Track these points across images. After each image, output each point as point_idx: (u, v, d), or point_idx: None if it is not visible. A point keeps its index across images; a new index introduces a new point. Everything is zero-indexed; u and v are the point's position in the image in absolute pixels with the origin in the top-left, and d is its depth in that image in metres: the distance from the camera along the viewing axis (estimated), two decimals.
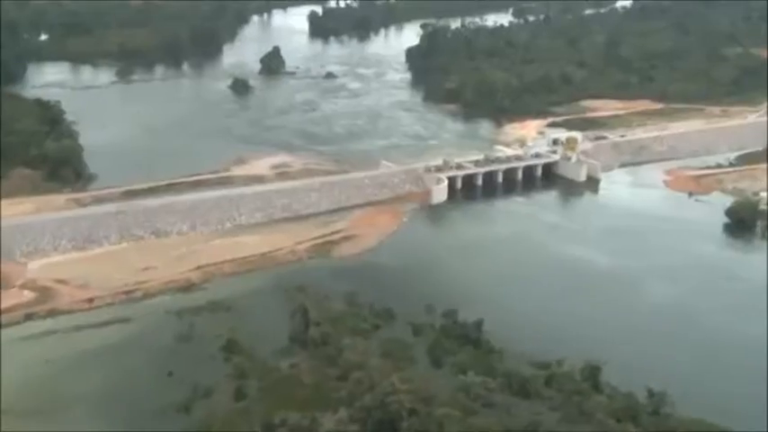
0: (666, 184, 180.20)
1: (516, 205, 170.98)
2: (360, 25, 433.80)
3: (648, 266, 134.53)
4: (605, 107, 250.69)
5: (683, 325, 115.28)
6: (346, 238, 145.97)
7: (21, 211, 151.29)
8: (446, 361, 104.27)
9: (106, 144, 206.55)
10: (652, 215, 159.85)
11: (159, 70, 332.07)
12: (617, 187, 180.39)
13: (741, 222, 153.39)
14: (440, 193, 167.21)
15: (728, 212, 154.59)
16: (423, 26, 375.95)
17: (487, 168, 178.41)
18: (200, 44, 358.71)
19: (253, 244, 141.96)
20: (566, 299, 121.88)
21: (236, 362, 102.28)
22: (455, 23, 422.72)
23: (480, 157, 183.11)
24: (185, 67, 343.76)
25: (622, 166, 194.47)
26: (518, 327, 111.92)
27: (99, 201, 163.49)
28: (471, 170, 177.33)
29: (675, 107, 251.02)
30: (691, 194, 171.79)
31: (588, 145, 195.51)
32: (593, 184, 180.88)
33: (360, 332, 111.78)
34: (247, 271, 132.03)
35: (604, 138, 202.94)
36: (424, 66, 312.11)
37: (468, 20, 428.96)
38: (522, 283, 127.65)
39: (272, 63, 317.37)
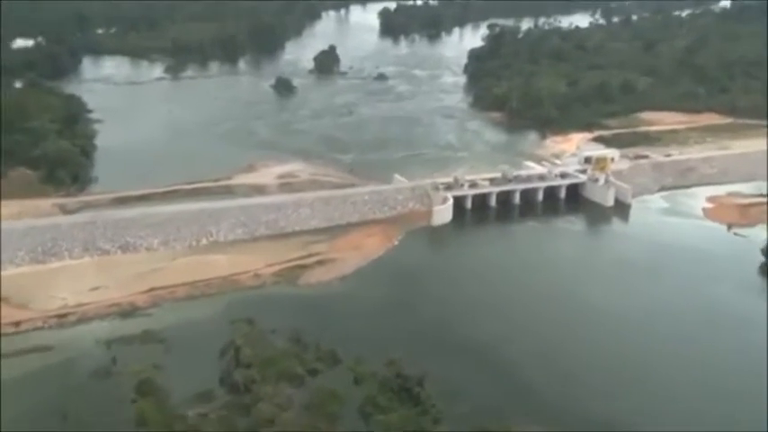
0: (706, 213, 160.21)
1: (528, 231, 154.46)
2: (431, 24, 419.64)
3: (651, 313, 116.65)
4: (665, 120, 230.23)
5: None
6: (321, 263, 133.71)
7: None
8: (375, 419, 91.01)
9: (122, 145, 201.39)
10: (678, 250, 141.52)
11: (213, 67, 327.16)
12: (648, 215, 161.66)
13: None
14: (442, 214, 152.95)
15: (763, 250, 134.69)
16: (490, 26, 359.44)
17: (502, 188, 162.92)
18: (258, 40, 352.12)
19: (220, 264, 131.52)
20: (540, 347, 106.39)
21: (142, 407, 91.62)
22: (529, 24, 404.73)
23: (497, 174, 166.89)
24: (241, 63, 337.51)
25: (663, 189, 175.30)
26: (477, 382, 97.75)
27: (85, 207, 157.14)
28: (483, 189, 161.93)
29: (745, 123, 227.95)
30: (730, 227, 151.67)
31: (625, 165, 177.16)
32: (622, 210, 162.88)
33: (292, 377, 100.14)
34: (202, 295, 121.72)
35: (645, 157, 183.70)
36: (482, 69, 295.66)
37: (543, 20, 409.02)
38: (501, 326, 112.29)
39: (325, 62, 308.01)
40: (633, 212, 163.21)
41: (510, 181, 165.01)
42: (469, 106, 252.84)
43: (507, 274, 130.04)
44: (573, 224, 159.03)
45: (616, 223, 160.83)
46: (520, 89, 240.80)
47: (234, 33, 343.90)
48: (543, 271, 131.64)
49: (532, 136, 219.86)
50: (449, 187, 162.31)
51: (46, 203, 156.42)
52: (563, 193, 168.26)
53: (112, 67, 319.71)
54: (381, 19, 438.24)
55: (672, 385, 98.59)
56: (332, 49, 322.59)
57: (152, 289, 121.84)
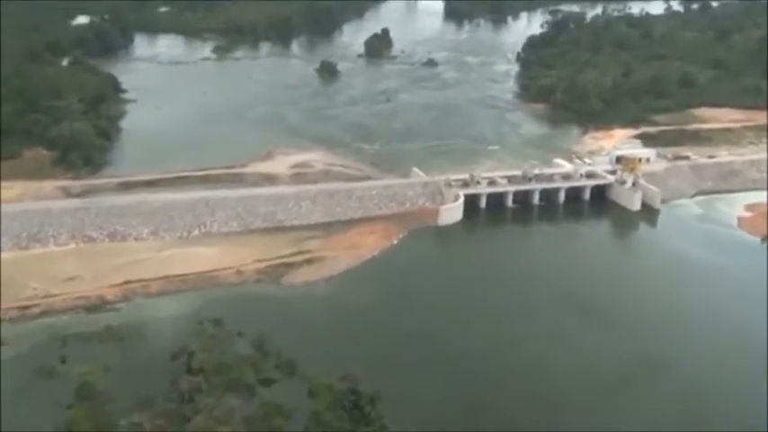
0: (740, 222, 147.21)
1: (539, 236, 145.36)
2: (496, 8, 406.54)
3: (642, 347, 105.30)
4: (720, 118, 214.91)
5: None
6: (311, 261, 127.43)
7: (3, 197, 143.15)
8: None
9: (148, 127, 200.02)
10: (700, 264, 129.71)
11: (265, 48, 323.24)
12: (676, 222, 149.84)
13: None
14: (451, 213, 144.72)
15: None
16: (552, 12, 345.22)
17: (520, 187, 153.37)
18: (314, 22, 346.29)
19: (205, 258, 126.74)
20: (516, 363, 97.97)
21: (73, 414, 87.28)
22: (599, 10, 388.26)
23: (518, 172, 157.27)
24: (294, 45, 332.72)
25: (700, 194, 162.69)
26: (440, 403, 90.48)
27: (90, 191, 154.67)
28: (499, 188, 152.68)
29: None
30: (764, 240, 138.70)
31: (660, 166, 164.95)
32: (650, 215, 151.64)
33: (243, 387, 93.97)
34: (177, 291, 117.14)
35: (686, 158, 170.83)
36: (536, 57, 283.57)
37: (613, 6, 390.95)
38: (483, 342, 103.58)
39: (375, 46, 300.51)
40: (661, 219, 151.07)
41: (530, 180, 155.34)
42: (515, 96, 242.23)
43: (501, 284, 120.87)
44: (592, 229, 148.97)
45: (640, 230, 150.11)
46: (566, 80, 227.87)
47: (289, 15, 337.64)
48: (537, 283, 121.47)
49: (574, 130, 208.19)
50: (465, 184, 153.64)
51: (50, 186, 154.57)
52: (587, 195, 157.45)
53: (163, 45, 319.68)
54: (446, 3, 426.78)
55: None
56: (384, 32, 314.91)
57: (126, 282, 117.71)
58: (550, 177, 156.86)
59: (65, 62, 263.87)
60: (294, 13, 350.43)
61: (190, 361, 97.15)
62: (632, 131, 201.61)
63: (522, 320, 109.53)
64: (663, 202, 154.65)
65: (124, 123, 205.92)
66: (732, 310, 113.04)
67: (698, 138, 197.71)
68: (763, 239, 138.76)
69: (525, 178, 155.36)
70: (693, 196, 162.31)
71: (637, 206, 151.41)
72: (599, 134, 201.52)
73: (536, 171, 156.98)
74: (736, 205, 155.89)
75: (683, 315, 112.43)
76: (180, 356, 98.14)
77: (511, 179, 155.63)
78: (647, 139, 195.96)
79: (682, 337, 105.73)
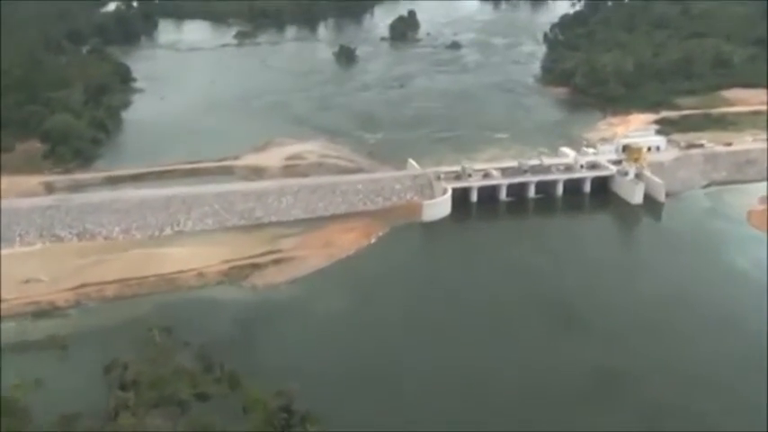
0: (750, 217, 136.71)
1: (529, 232, 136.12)
2: None
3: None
4: (751, 100, 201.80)
5: None
6: (279, 262, 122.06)
7: None
8: None
9: (150, 117, 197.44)
10: (694, 265, 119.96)
11: (290, 32, 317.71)
12: (679, 217, 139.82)
13: None
14: (436, 209, 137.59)
15: None
16: None
17: (513, 180, 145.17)
18: (341, 5, 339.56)
19: (171, 258, 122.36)
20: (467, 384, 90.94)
21: None
22: None
23: (514, 163, 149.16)
24: (321, 29, 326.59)
25: (712, 185, 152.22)
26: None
27: (74, 186, 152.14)
28: (492, 181, 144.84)
29: None
30: None
31: (670, 155, 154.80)
32: (653, 208, 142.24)
33: (175, 403, 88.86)
34: (133, 295, 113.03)
35: (699, 146, 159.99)
36: (563, 38, 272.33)
37: None
38: (435, 360, 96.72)
39: (400, 29, 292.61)
40: (664, 213, 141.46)
41: (525, 172, 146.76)
42: (535, 80, 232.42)
43: (470, 290, 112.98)
44: (584, 225, 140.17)
45: (637, 226, 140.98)
46: (587, 63, 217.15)
47: None
48: (508, 288, 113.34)
49: (592, 116, 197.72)
50: (457, 177, 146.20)
51: (34, 181, 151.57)
52: (587, 187, 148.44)
53: (188, 31, 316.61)
54: None
55: None
56: (411, 14, 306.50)
57: (82, 285, 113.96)
58: (547, 169, 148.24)
59: (84, 50, 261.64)
60: None
61: (124, 374, 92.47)
62: (652, 116, 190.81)
63: (486, 334, 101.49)
64: (670, 194, 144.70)
65: (127, 114, 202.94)
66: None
67: (722, 122, 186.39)
68: None
69: (520, 170, 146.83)
70: (705, 187, 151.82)
71: (638, 199, 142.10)
72: (616, 120, 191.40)
73: (532, 162, 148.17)
74: (750, 197, 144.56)
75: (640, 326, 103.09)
76: (113, 369, 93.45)
77: (505, 171, 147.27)
78: (667, 125, 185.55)
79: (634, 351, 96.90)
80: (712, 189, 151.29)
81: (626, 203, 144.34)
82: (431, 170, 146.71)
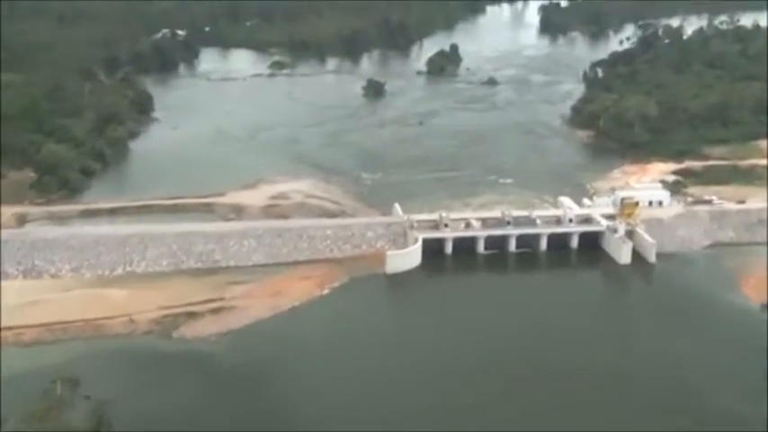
0: (745, 283, 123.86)
1: (497, 291, 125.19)
2: (592, 20, 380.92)
3: None
4: None
5: None
6: (217, 311, 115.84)
7: None
8: None
9: (156, 149, 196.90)
10: (657, 336, 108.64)
11: (332, 63, 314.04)
12: (668, 280, 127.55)
13: None
14: (402, 260, 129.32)
15: None
16: (642, 26, 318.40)
17: (492, 232, 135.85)
18: (388, 36, 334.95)
19: (108, 302, 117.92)
20: None
21: None
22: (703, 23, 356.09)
23: (497, 214, 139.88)
24: (365, 61, 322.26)
25: (716, 245, 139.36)
26: None
27: (48, 218, 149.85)
28: (468, 232, 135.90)
29: None
30: (765, 307, 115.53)
31: (671, 212, 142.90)
32: (641, 270, 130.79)
33: None
34: (53, 341, 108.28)
35: (708, 202, 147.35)
36: (604, 77, 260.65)
37: (722, 19, 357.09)
38: None
39: (438, 63, 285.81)
40: (655, 274, 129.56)
41: (508, 223, 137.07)
42: (563, 122, 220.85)
43: (411, 354, 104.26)
44: (565, 284, 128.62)
45: (620, 288, 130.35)
46: (614, 106, 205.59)
47: (361, 28, 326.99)
48: (456, 358, 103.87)
49: (611, 162, 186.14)
50: (435, 226, 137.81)
51: (9, 212, 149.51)
52: (575, 243, 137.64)
53: (227, 61, 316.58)
54: (541, 15, 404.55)
55: None
56: (453, 48, 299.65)
57: (7, 328, 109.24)
58: (532, 221, 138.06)
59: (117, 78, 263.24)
60: (371, 27, 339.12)
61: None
62: (673, 166, 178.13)
63: (412, 408, 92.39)
64: (665, 254, 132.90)
65: (135, 144, 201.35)
66: None
67: (749, 176, 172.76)
68: (763, 307, 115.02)
69: (503, 221, 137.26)
70: (708, 248, 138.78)
71: (626, 259, 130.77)
72: (633, 168, 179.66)
73: (516, 213, 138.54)
74: (754, 262, 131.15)
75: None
76: None
77: (485, 222, 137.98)
78: (690, 176, 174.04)
79: None
80: (715, 251, 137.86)
81: (614, 262, 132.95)
82: (404, 218, 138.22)
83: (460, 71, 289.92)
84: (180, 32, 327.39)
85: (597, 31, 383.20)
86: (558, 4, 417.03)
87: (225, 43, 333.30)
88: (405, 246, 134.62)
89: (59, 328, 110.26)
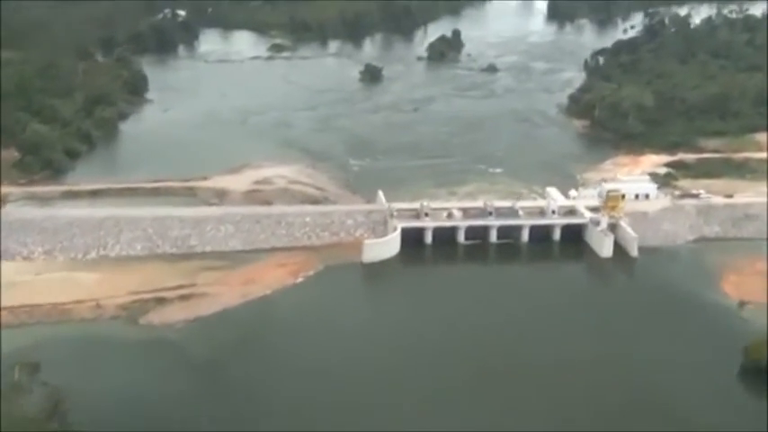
0: (724, 279, 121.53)
1: (472, 283, 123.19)
2: (600, 8, 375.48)
3: None
4: None
5: None
6: (187, 297, 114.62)
7: None
8: None
9: (146, 131, 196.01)
10: (623, 333, 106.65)
11: (333, 46, 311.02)
12: (648, 275, 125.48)
13: (758, 370, 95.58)
14: (379, 249, 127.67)
15: (746, 351, 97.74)
16: (649, 13, 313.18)
17: (472, 222, 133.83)
18: (391, 21, 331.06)
19: (78, 285, 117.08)
20: None
21: None
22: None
23: (479, 204, 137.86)
24: (367, 44, 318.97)
25: (702, 240, 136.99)
26: None
27: (30, 198, 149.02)
28: (448, 222, 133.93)
29: None
30: (743, 304, 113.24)
31: (657, 205, 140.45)
32: (623, 264, 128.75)
33: None
34: (19, 325, 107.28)
35: (695, 196, 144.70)
36: (604, 65, 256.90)
37: (731, 8, 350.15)
38: None
39: (439, 49, 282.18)
40: (637, 268, 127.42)
41: (490, 214, 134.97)
42: (559, 110, 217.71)
43: (376, 345, 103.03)
44: (543, 277, 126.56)
45: (599, 282, 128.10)
46: (611, 96, 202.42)
47: (364, 12, 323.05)
48: (424, 342, 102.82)
49: (604, 153, 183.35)
50: (416, 215, 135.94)
51: None
52: (557, 235, 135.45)
53: (227, 42, 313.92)
54: (549, 1, 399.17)
55: None
56: (455, 34, 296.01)
57: None
58: (515, 213, 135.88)
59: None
60: (375, 10, 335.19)
61: None
62: (666, 158, 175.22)
63: (365, 406, 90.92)
64: (648, 248, 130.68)
65: (125, 125, 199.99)
66: None
67: (742, 169, 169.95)
68: (741, 304, 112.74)
69: (485, 212, 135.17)
70: (693, 242, 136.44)
71: (607, 252, 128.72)
72: (626, 159, 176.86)
73: (498, 204, 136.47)
74: (738, 257, 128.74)
75: None
76: None
77: (467, 212, 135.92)
78: (682, 168, 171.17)
79: None
80: (700, 245, 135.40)
81: (596, 256, 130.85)
82: (388, 206, 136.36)
83: (462, 57, 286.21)
84: (181, 12, 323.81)
85: (605, 19, 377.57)
86: None
87: (226, 24, 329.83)
88: (385, 235, 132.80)
89: (25, 312, 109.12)
